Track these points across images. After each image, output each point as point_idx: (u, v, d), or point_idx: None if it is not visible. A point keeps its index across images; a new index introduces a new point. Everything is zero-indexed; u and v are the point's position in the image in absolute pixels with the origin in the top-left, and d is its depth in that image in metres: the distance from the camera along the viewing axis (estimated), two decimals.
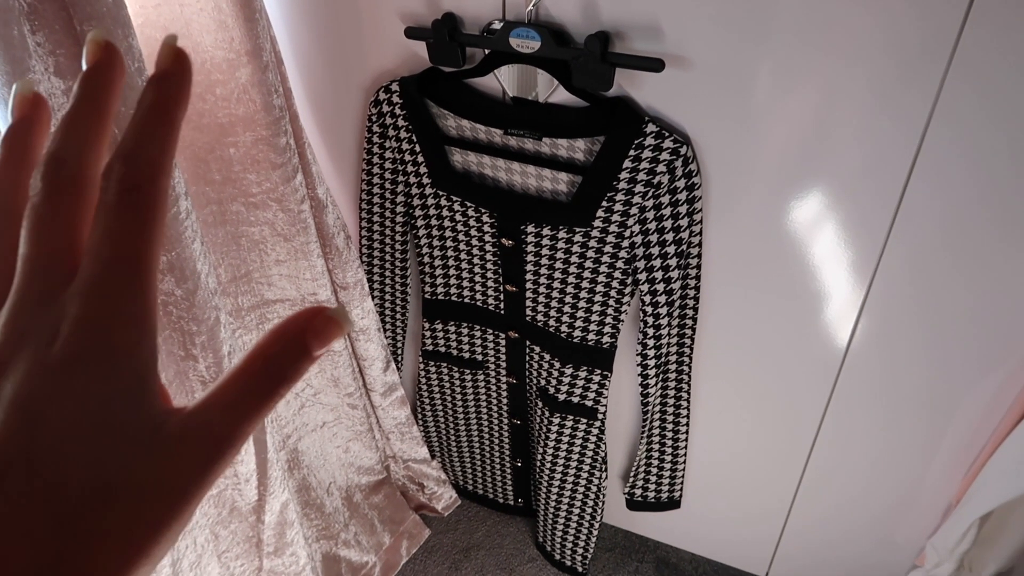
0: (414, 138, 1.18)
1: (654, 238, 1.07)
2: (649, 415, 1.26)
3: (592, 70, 0.98)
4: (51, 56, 0.81)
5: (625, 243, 1.10)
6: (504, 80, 1.11)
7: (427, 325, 1.40)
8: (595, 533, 1.46)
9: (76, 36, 0.82)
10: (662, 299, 1.12)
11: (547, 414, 1.34)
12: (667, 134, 1.00)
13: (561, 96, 1.08)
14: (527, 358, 1.34)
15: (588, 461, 1.36)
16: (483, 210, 1.19)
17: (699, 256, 1.12)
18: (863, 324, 1.10)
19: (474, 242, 1.24)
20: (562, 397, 1.30)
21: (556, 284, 1.20)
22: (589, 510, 1.42)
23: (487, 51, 1.08)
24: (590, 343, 1.22)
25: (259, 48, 1.03)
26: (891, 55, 0.88)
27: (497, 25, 1.04)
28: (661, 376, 1.23)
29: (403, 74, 1.17)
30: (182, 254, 0.96)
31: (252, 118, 1.09)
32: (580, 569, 1.52)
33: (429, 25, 1.07)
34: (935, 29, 0.85)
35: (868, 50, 0.89)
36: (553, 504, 1.45)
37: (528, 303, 1.26)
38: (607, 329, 1.20)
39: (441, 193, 1.22)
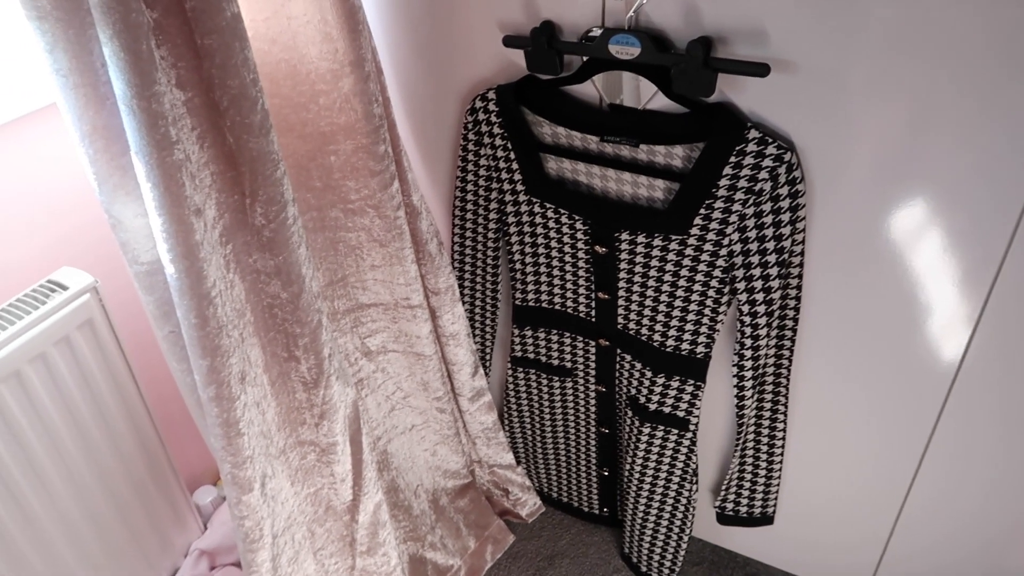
0: (509, 145, 1.19)
1: (754, 247, 1.05)
2: (744, 428, 1.23)
3: (693, 76, 0.97)
4: (173, 69, 0.85)
5: (723, 251, 1.08)
6: (601, 87, 1.10)
7: (516, 331, 1.41)
8: (684, 546, 1.43)
9: (196, 49, 0.86)
10: (761, 309, 1.09)
11: (637, 424, 1.33)
12: (770, 140, 0.98)
13: (659, 102, 1.07)
14: (617, 366, 1.33)
15: (678, 473, 1.33)
16: (577, 217, 1.19)
17: (800, 265, 1.09)
18: (979, 338, 1.05)
19: (567, 249, 1.24)
20: (653, 407, 1.28)
21: (650, 292, 1.19)
22: (678, 522, 1.40)
23: (585, 58, 1.08)
24: (684, 352, 1.20)
25: (362, 59, 1.06)
26: (1000, 50, 0.83)
27: (596, 32, 1.04)
28: (758, 388, 1.20)
29: (499, 82, 1.18)
30: (288, 259, 0.99)
31: (353, 127, 1.12)
32: None
33: (527, 33, 1.08)
34: None
35: (979, 46, 0.84)
36: (641, 515, 1.43)
37: (620, 311, 1.25)
38: (702, 339, 1.18)
39: (535, 200, 1.22)
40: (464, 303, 1.43)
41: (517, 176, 1.21)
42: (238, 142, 0.91)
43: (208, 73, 0.87)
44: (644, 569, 1.51)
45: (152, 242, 0.93)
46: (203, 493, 1.58)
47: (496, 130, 1.19)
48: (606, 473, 1.53)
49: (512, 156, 1.20)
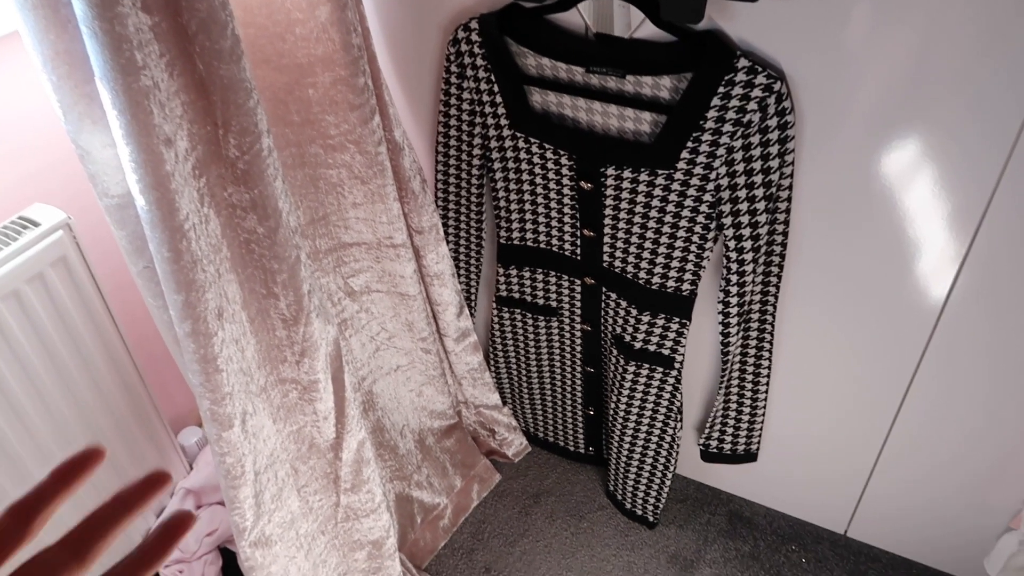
0: (493, 78, 1.16)
1: (741, 180, 1.03)
2: (729, 365, 1.23)
3: (682, 1, 0.93)
4: None
5: (710, 186, 1.06)
6: (587, 15, 1.07)
7: (501, 271, 1.39)
8: (668, 483, 1.44)
9: None
10: (747, 245, 1.08)
11: (622, 362, 1.32)
12: (760, 69, 0.95)
13: (647, 31, 1.04)
14: (603, 305, 1.32)
15: (663, 411, 1.34)
16: (562, 152, 1.16)
17: (788, 200, 1.07)
18: (964, 276, 1.04)
19: (552, 185, 1.22)
20: (638, 345, 1.28)
21: (636, 229, 1.17)
22: (662, 460, 1.41)
23: None
24: (669, 290, 1.19)
25: None
26: None
27: None
28: (743, 325, 1.20)
29: (482, 11, 1.14)
30: (264, 192, 0.97)
31: (331, 58, 1.08)
32: (651, 519, 1.51)
33: None
34: None
35: None
36: (626, 453, 1.44)
37: (606, 248, 1.23)
38: (687, 276, 1.16)
39: (519, 135, 1.19)
40: (448, 242, 1.41)
41: (501, 110, 1.18)
42: (208, 69, 0.87)
43: None
44: (629, 506, 1.53)
45: (122, 174, 0.90)
46: (188, 434, 1.58)
47: (479, 62, 1.15)
48: (591, 412, 1.53)
49: (496, 89, 1.16)
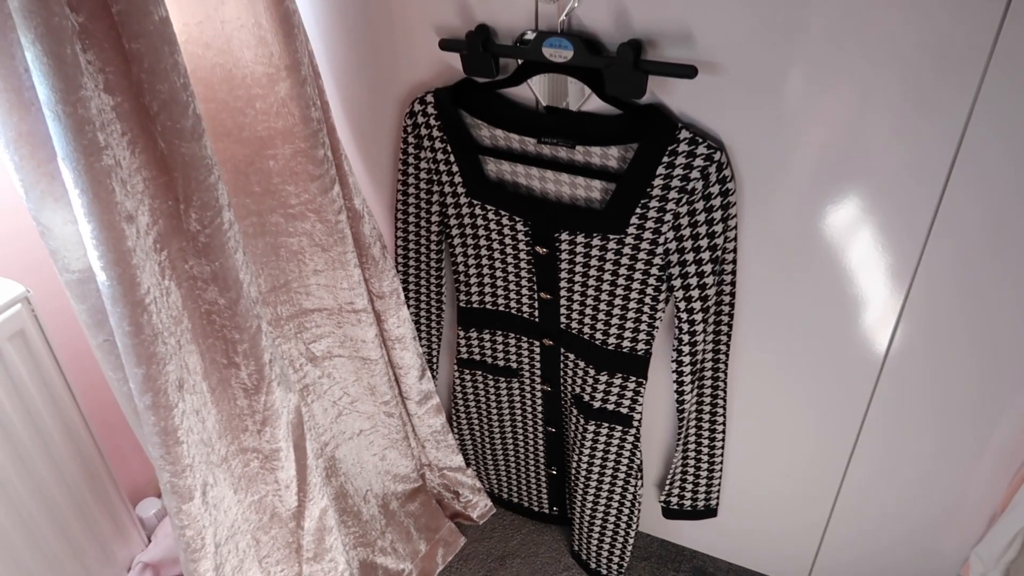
0: (448, 148, 1.20)
1: (688, 244, 1.08)
2: (685, 422, 1.26)
3: (625, 78, 0.99)
4: (100, 74, 0.84)
5: (659, 250, 1.10)
6: (537, 89, 1.12)
7: (462, 333, 1.41)
8: (631, 541, 1.45)
9: (124, 54, 0.85)
10: (697, 305, 1.12)
11: (582, 422, 1.34)
12: (701, 140, 1.00)
13: (594, 104, 1.09)
14: (562, 366, 1.35)
15: (623, 469, 1.36)
16: (517, 219, 1.20)
17: (734, 262, 1.11)
18: (902, 329, 1.09)
19: (508, 250, 1.25)
20: (597, 404, 1.30)
21: (590, 292, 1.21)
22: (625, 518, 1.42)
23: (520, 61, 1.09)
24: (625, 350, 1.22)
25: (298, 63, 1.05)
26: (928, 55, 0.87)
27: (530, 35, 1.05)
28: (697, 383, 1.23)
29: (437, 85, 1.19)
30: (225, 264, 0.98)
31: (291, 131, 1.11)
32: None
33: (463, 37, 1.09)
34: (973, 27, 0.84)
35: (903, 50, 0.88)
36: (588, 512, 1.45)
37: (563, 311, 1.26)
38: (642, 336, 1.20)
39: (476, 202, 1.23)
40: (409, 306, 1.43)
41: (457, 179, 1.22)
42: (170, 147, 0.90)
43: (137, 78, 0.86)
44: (594, 566, 1.53)
45: (83, 249, 0.92)
46: (147, 505, 1.55)
47: (435, 133, 1.20)
48: (554, 472, 1.54)
49: (452, 159, 1.21)
